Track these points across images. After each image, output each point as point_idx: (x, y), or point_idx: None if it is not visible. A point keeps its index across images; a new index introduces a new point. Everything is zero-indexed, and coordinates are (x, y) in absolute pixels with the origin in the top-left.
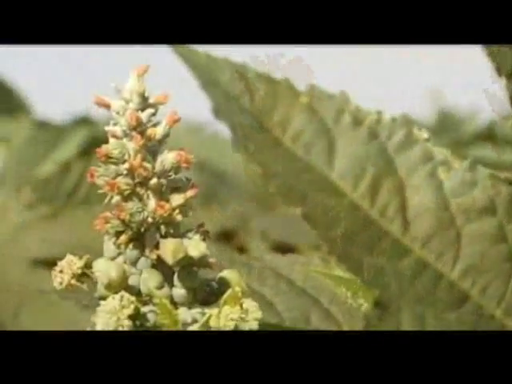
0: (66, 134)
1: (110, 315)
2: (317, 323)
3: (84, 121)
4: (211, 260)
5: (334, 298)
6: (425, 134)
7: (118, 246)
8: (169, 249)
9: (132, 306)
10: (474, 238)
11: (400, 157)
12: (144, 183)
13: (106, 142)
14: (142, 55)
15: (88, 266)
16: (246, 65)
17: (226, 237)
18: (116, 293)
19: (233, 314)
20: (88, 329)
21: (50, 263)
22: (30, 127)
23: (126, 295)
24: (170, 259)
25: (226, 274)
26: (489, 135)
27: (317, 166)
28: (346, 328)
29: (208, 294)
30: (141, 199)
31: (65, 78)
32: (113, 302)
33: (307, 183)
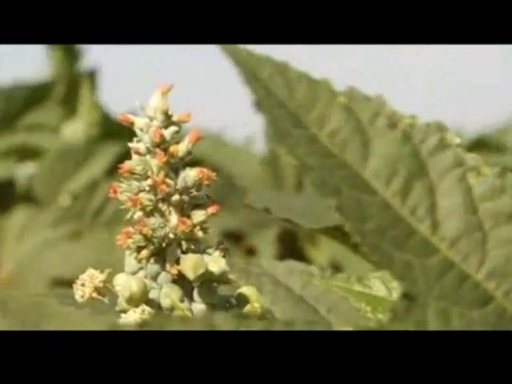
0: (95, 153)
1: None
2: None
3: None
4: (231, 276)
5: (332, 307)
6: (457, 140)
7: (140, 261)
8: (190, 264)
9: None
10: (501, 242)
11: (432, 160)
12: (166, 199)
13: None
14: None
15: (109, 279)
16: (287, 63)
17: (235, 239)
18: (137, 306)
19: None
20: None
21: (71, 283)
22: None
23: (147, 308)
24: (190, 274)
25: (245, 290)
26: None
27: (351, 163)
28: None
29: (227, 310)
30: (163, 215)
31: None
32: (134, 315)
33: (341, 179)
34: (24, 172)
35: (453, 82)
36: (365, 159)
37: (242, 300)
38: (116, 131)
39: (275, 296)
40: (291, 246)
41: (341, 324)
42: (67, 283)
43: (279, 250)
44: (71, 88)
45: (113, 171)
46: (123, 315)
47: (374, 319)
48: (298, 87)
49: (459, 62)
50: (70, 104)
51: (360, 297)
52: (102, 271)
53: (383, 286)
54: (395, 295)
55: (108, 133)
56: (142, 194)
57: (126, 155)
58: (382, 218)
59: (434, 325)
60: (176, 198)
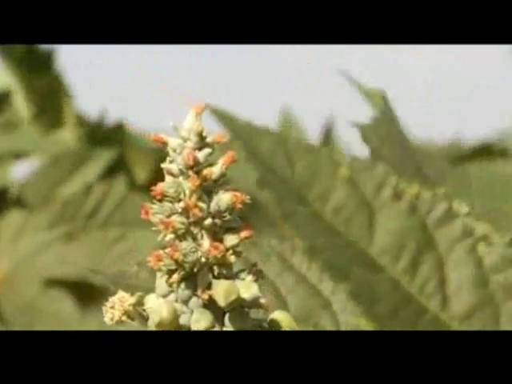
0: (90, 156)
1: None
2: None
3: (117, 132)
4: (263, 301)
5: (334, 288)
6: (465, 208)
7: (170, 285)
8: (221, 290)
9: None
10: None
11: (440, 232)
12: (198, 223)
13: (131, 164)
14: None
15: (139, 302)
16: (285, 134)
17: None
18: None
19: None
20: None
21: (65, 284)
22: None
23: None
24: (222, 301)
25: (277, 315)
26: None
27: (357, 241)
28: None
29: None
30: (195, 239)
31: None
32: None
33: (349, 259)
34: (17, 174)
35: (453, 82)
36: (371, 235)
37: (275, 325)
38: (103, 138)
39: (336, 285)
40: None
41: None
42: (62, 284)
43: None
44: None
45: (106, 175)
46: None
47: None
48: (298, 160)
49: (459, 62)
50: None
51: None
52: (132, 293)
53: None
54: None
55: (95, 141)
56: (174, 217)
57: (120, 161)
58: (393, 298)
59: None
60: (208, 221)
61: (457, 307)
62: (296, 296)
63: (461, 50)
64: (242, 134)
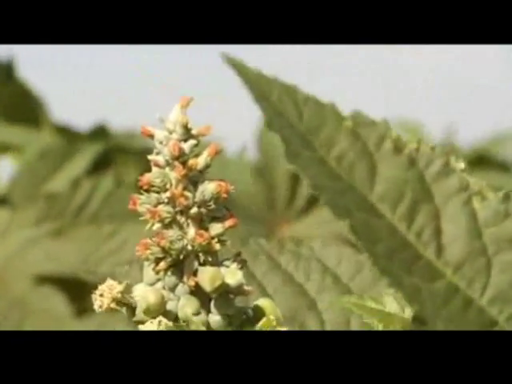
0: (79, 149)
1: None
2: (355, 327)
3: (100, 133)
4: (247, 288)
5: (319, 287)
6: (461, 165)
7: (157, 272)
8: (207, 276)
9: None
10: (504, 268)
11: (437, 185)
12: (184, 212)
13: (117, 160)
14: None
15: (127, 291)
16: (295, 86)
17: None
18: (154, 318)
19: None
20: None
21: (54, 280)
22: (46, 138)
23: (164, 320)
24: (208, 287)
25: (262, 302)
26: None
27: (358, 187)
28: None
29: (243, 321)
30: (181, 227)
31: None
32: (151, 326)
33: (350, 201)
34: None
35: (453, 82)
36: (371, 183)
37: (259, 311)
38: (84, 139)
39: (322, 284)
40: None
41: None
42: (51, 280)
43: None
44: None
45: (93, 171)
46: (140, 326)
47: None
48: (305, 109)
49: (459, 61)
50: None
51: (373, 313)
52: (120, 281)
53: (396, 303)
54: (408, 312)
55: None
56: (160, 207)
57: (107, 156)
58: (391, 242)
59: None
60: (194, 210)
61: (450, 256)
62: (282, 295)
63: (461, 49)
64: (252, 80)
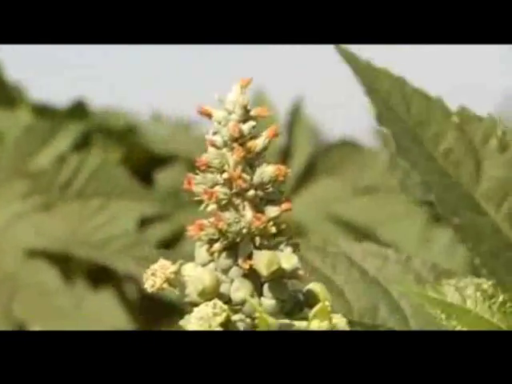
0: (62, 127)
1: (203, 322)
2: (385, 315)
3: (80, 111)
4: (300, 272)
5: (347, 278)
6: None
7: (212, 254)
8: (264, 260)
9: (224, 314)
10: None
11: None
12: (241, 194)
13: (101, 136)
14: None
15: (179, 271)
16: (403, 78)
17: None
18: (208, 300)
19: (322, 329)
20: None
21: (43, 254)
22: (26, 118)
23: (219, 303)
24: (264, 271)
25: (313, 286)
26: None
27: (464, 184)
28: (412, 323)
29: (294, 305)
30: (237, 210)
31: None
32: (206, 308)
33: (456, 198)
34: None
35: (452, 82)
36: (477, 180)
37: (310, 296)
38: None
39: (349, 276)
40: None
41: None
42: (40, 255)
43: None
44: None
45: (79, 147)
46: (195, 308)
47: (449, 326)
48: (413, 102)
49: (459, 61)
50: None
51: (435, 303)
52: (173, 261)
53: (457, 294)
54: (469, 303)
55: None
56: (217, 188)
57: (92, 133)
58: (495, 241)
59: None
60: (251, 193)
61: None
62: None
63: (461, 49)
64: (363, 71)
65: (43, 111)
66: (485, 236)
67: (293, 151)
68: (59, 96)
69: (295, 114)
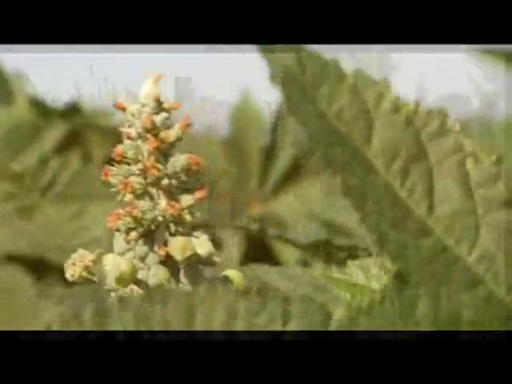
0: (45, 129)
1: None
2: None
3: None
4: (216, 259)
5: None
6: (457, 126)
7: (128, 242)
8: (178, 246)
9: None
10: (492, 228)
11: (432, 145)
12: (156, 183)
13: (85, 138)
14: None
15: (99, 260)
16: (301, 45)
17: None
18: (126, 286)
19: None
20: None
21: (21, 259)
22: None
23: (136, 288)
24: (178, 256)
25: (230, 273)
26: None
27: (356, 142)
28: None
29: None
30: (152, 198)
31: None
32: (122, 294)
33: (347, 156)
34: None
35: (452, 82)
36: (369, 140)
37: (227, 282)
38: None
39: None
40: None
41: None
42: (18, 259)
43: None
44: None
45: (61, 148)
46: (112, 294)
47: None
48: (308, 65)
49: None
50: None
51: (339, 284)
52: (92, 251)
53: (362, 274)
54: (374, 283)
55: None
56: (132, 178)
57: (75, 133)
58: (382, 198)
59: (423, 306)
60: (165, 182)
61: (441, 215)
62: None
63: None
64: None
65: (37, 108)
66: (373, 194)
67: (277, 151)
68: (58, 95)
69: (280, 115)
